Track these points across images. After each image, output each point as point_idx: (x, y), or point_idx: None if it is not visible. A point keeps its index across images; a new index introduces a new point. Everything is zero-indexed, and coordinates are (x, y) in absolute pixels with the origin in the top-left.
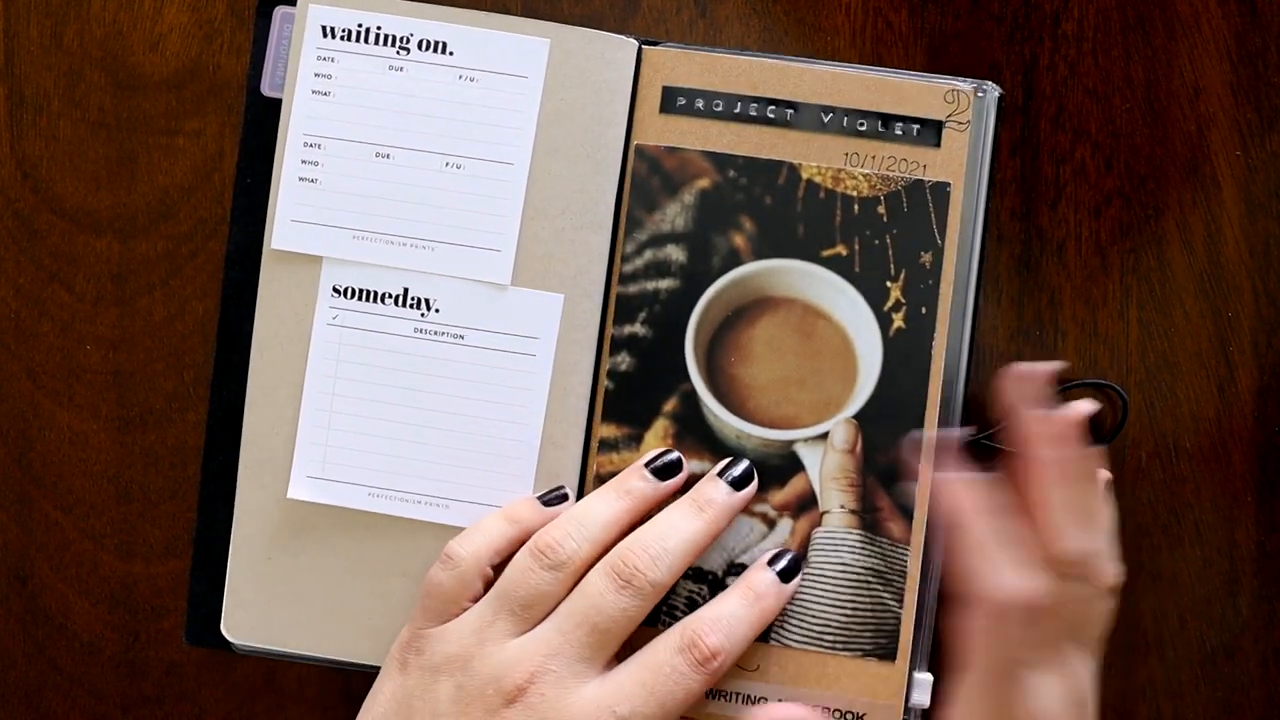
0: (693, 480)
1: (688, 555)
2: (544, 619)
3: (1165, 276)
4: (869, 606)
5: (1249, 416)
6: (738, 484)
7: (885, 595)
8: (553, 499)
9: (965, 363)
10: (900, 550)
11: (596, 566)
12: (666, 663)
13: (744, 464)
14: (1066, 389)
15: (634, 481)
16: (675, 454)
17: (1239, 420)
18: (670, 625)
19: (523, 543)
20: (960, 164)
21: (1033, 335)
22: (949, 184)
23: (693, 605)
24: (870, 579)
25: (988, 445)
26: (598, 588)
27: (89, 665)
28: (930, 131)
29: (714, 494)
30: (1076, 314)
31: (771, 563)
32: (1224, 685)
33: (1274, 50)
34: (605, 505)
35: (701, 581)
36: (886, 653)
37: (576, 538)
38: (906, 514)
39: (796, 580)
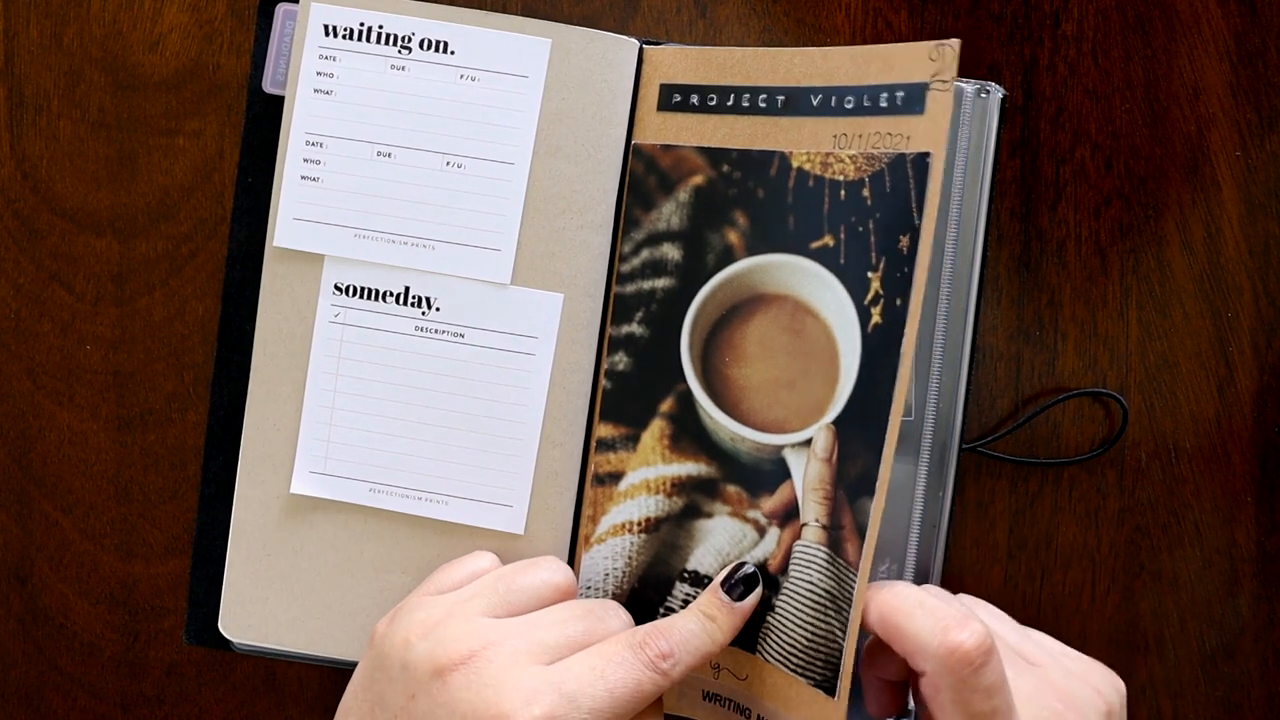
0: (690, 481)
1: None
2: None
3: (1165, 277)
4: (823, 634)
5: (1249, 417)
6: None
7: (835, 624)
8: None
9: (966, 364)
10: (852, 575)
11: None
12: (619, 653)
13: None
14: (1065, 398)
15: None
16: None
17: (1239, 421)
18: None
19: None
20: (943, 128)
21: (1033, 335)
22: (929, 154)
23: None
24: (826, 604)
25: (984, 454)
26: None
27: (89, 665)
28: (914, 97)
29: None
30: (1076, 314)
31: (727, 579)
32: (1224, 685)
33: (1274, 50)
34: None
35: (698, 585)
36: (830, 686)
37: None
38: (863, 534)
39: (752, 597)
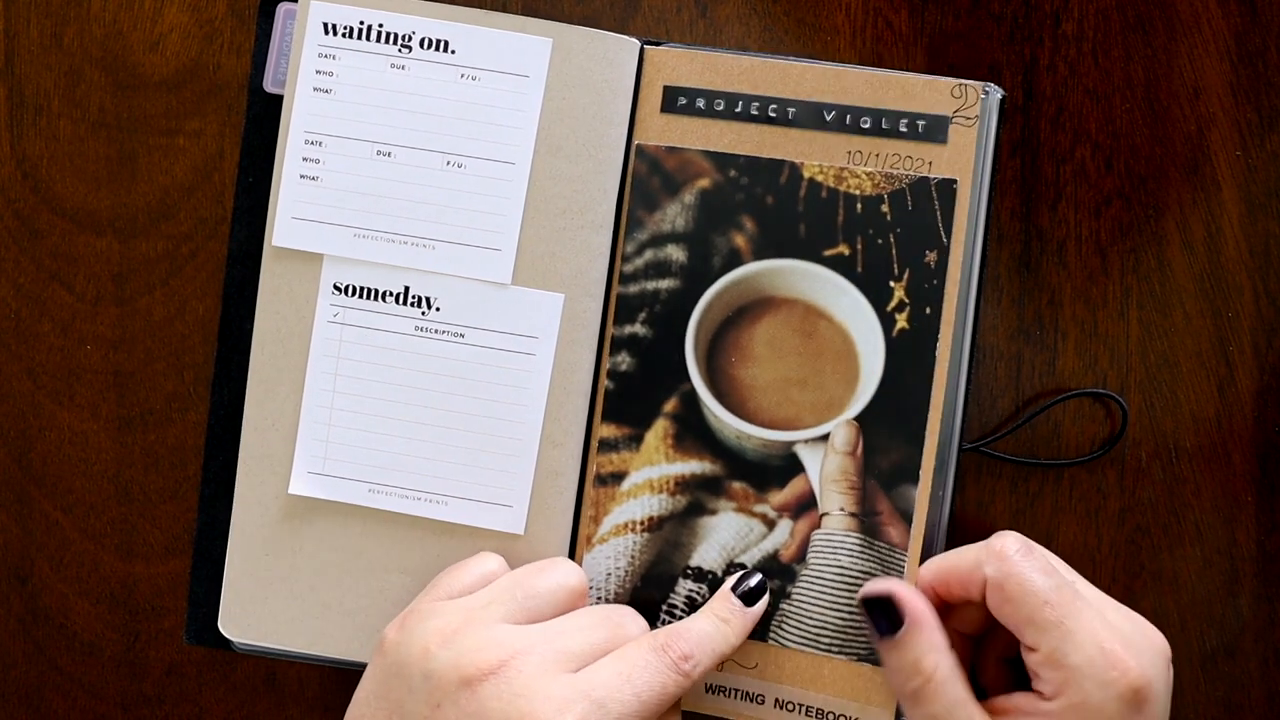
0: (694, 480)
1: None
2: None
3: (1165, 276)
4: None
5: (1249, 416)
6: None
7: None
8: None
9: (966, 365)
10: (899, 555)
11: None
12: (642, 658)
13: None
14: (1065, 398)
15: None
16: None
17: (1239, 420)
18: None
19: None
20: (968, 160)
21: (1033, 335)
22: (955, 181)
23: (693, 605)
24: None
25: (984, 454)
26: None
27: (89, 665)
28: (937, 128)
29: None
30: (1076, 314)
31: (736, 586)
32: (1224, 685)
33: (1274, 50)
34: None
35: (701, 580)
36: (877, 659)
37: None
38: (906, 519)
39: (762, 603)
